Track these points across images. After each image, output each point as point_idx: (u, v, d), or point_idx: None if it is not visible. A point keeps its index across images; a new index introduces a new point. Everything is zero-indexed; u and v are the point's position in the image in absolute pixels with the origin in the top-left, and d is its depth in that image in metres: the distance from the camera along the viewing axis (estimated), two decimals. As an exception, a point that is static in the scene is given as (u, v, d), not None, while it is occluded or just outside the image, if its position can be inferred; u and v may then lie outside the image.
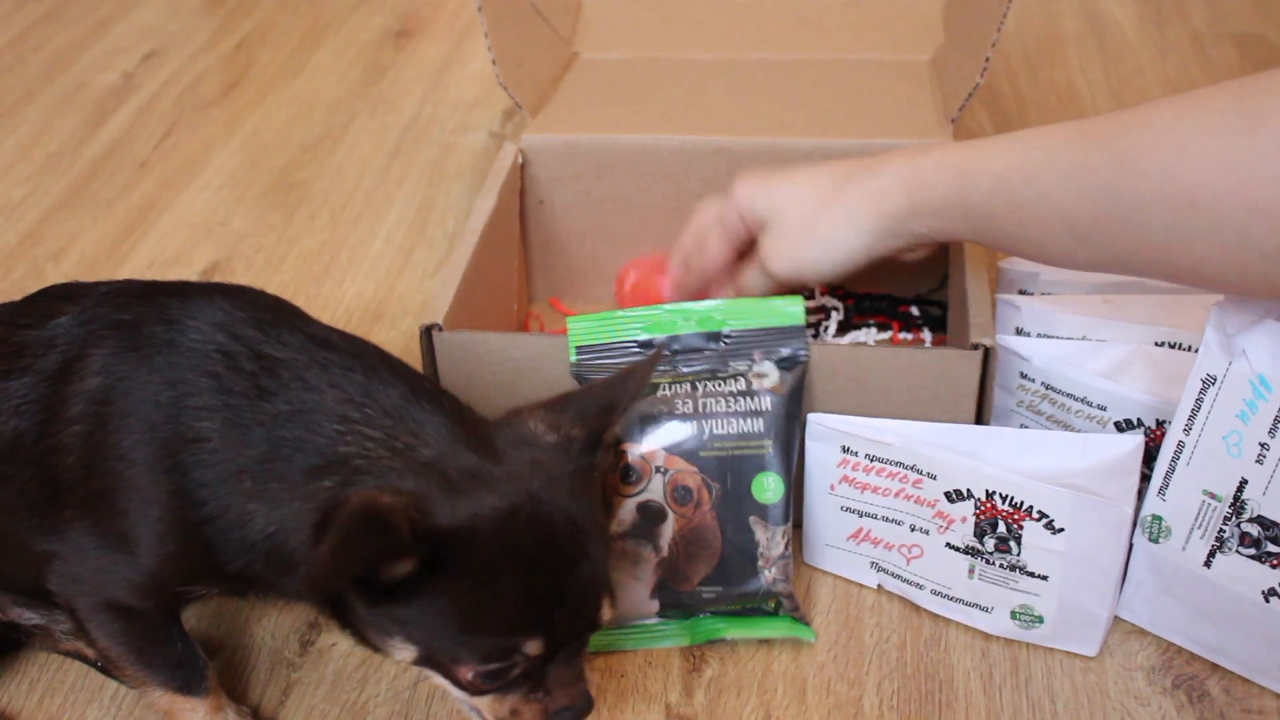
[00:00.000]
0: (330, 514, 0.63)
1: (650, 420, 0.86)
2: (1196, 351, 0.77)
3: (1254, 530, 0.77)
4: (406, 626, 0.66)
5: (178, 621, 0.80)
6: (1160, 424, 0.85)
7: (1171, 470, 0.80)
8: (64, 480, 0.72)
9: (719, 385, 0.87)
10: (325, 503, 0.65)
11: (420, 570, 0.62)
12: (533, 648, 0.67)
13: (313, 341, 0.71)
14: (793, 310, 0.88)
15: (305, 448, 0.67)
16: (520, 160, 1.11)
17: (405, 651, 0.67)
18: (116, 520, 0.71)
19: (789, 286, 0.91)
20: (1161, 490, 0.81)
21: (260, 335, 0.71)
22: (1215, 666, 0.84)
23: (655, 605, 0.88)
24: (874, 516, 0.87)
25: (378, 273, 1.28)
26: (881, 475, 0.85)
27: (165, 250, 1.33)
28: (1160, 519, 0.82)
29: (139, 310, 0.73)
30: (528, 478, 0.66)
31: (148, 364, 0.70)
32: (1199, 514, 0.80)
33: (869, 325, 1.11)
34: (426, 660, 0.68)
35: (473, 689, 0.69)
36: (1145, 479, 0.82)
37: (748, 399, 0.86)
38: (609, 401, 0.73)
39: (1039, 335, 0.93)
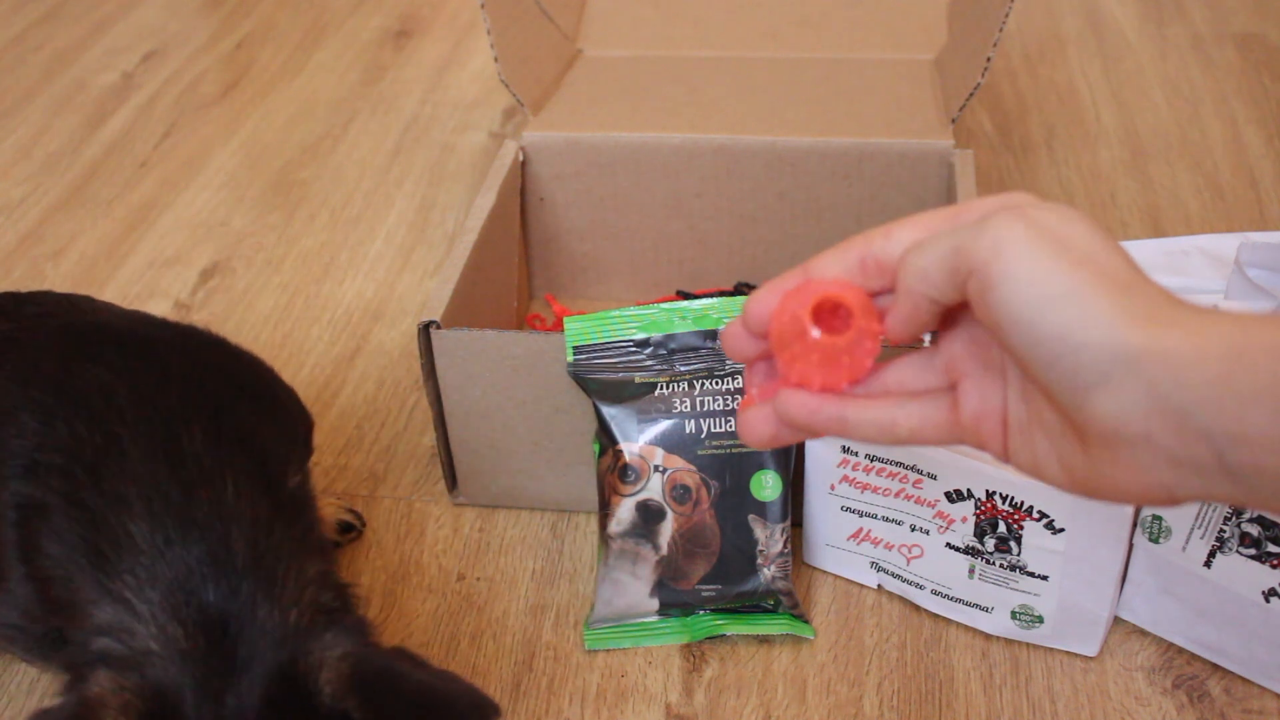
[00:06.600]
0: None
1: (648, 419, 0.86)
2: (1197, 350, 0.76)
3: (1254, 530, 0.77)
4: None
5: None
6: (1161, 423, 0.85)
7: (1172, 470, 0.80)
8: None
9: (716, 384, 0.87)
10: None
11: None
12: None
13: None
14: (792, 309, 0.88)
15: None
16: (521, 157, 1.11)
17: None
18: None
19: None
20: (1162, 490, 0.81)
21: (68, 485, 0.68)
22: (1215, 666, 0.84)
23: (655, 604, 0.88)
24: (874, 516, 0.87)
25: (378, 273, 1.28)
26: (882, 475, 0.85)
27: (165, 250, 1.33)
28: (1160, 519, 0.81)
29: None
30: None
31: None
32: (1199, 514, 0.79)
33: (869, 325, 1.11)
34: None
35: None
36: (1145, 478, 0.82)
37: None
38: None
39: (1039, 334, 0.92)
